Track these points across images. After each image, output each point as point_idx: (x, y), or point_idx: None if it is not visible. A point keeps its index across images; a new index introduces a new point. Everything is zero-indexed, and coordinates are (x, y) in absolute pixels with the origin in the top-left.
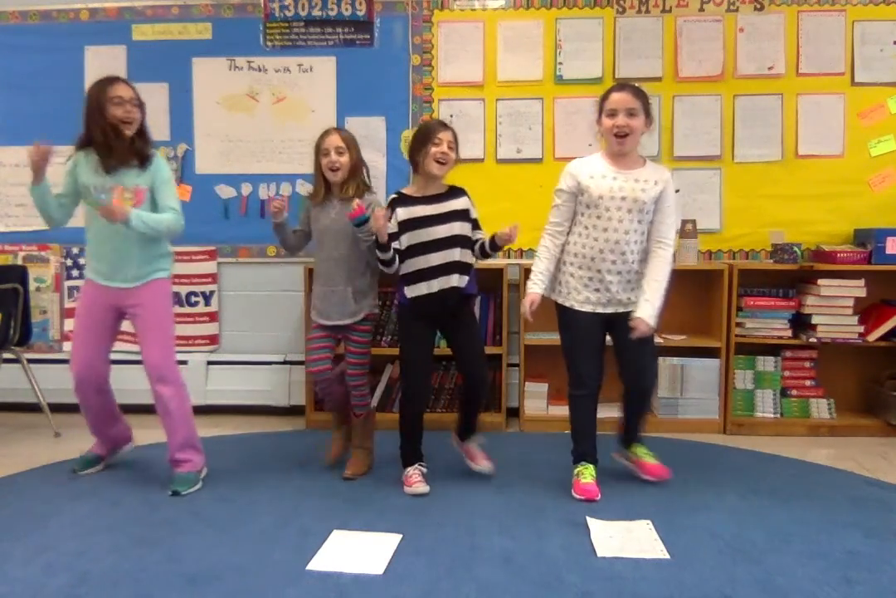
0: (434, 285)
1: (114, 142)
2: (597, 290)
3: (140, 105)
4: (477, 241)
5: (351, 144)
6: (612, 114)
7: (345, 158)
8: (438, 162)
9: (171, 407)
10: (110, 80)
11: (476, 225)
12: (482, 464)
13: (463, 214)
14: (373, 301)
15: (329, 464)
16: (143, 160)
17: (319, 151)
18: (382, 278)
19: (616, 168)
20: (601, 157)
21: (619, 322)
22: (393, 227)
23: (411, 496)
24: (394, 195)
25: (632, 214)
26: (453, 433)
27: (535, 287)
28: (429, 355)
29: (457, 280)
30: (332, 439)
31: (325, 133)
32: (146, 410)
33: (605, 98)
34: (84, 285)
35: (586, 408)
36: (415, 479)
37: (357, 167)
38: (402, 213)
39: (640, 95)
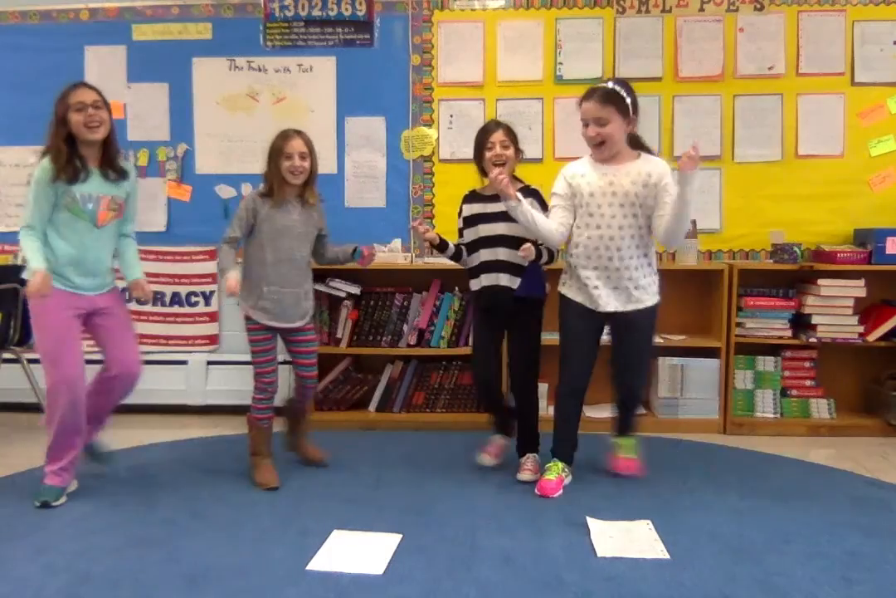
0: (482, 281)
1: (81, 149)
2: (595, 288)
3: (105, 106)
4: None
5: (312, 150)
6: (585, 124)
7: (307, 164)
8: (496, 165)
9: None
10: (72, 86)
11: None
12: (523, 473)
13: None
14: (313, 299)
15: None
16: (120, 172)
17: (281, 153)
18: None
19: (606, 165)
20: (590, 159)
21: (615, 321)
22: (459, 223)
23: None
24: (467, 193)
25: (624, 209)
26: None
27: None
28: (489, 343)
29: (507, 280)
30: (266, 464)
31: (287, 136)
32: (147, 410)
33: (579, 105)
34: (51, 294)
35: (571, 407)
36: (487, 449)
37: (315, 173)
38: (466, 209)
39: (610, 100)
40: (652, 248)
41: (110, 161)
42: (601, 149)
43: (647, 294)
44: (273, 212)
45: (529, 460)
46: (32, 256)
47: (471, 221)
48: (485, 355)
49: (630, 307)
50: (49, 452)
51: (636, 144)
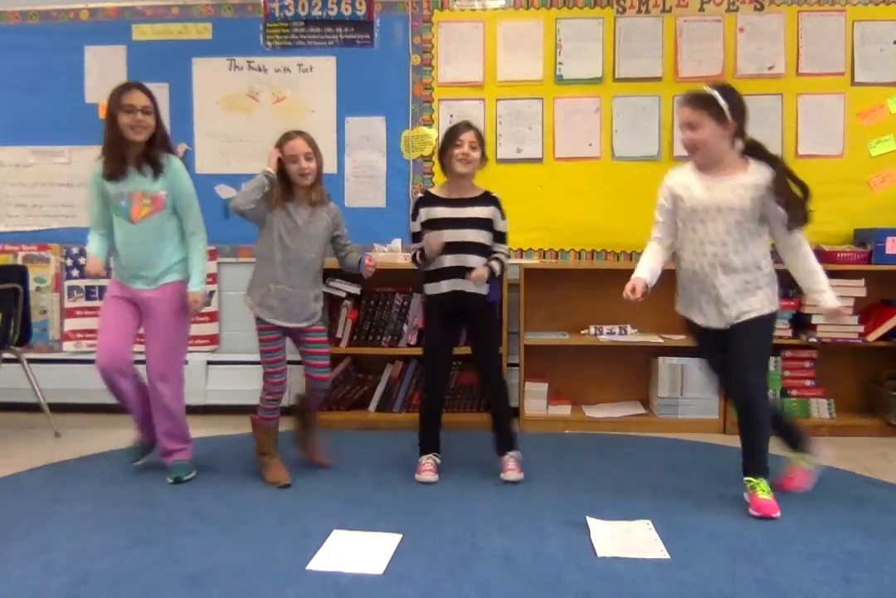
0: (444, 286)
1: (124, 148)
2: (708, 303)
3: (154, 112)
4: (493, 254)
5: (316, 149)
6: (681, 128)
7: (314, 164)
8: (460, 161)
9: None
10: (126, 87)
11: (498, 238)
12: (508, 473)
13: (484, 223)
14: (322, 301)
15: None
16: (157, 166)
17: (284, 157)
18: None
19: (710, 176)
20: (693, 167)
21: (730, 335)
22: (416, 227)
23: (420, 484)
24: (420, 195)
25: (729, 225)
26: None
27: (640, 273)
28: (446, 348)
29: (474, 286)
30: (276, 463)
31: (289, 137)
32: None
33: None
34: (109, 284)
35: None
36: (426, 467)
37: (321, 172)
38: (424, 213)
39: (704, 104)
40: (764, 258)
41: (149, 158)
42: (695, 155)
43: (759, 304)
44: (283, 213)
45: (512, 460)
46: (89, 245)
47: (434, 226)
48: (443, 361)
49: (742, 319)
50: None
51: (755, 151)
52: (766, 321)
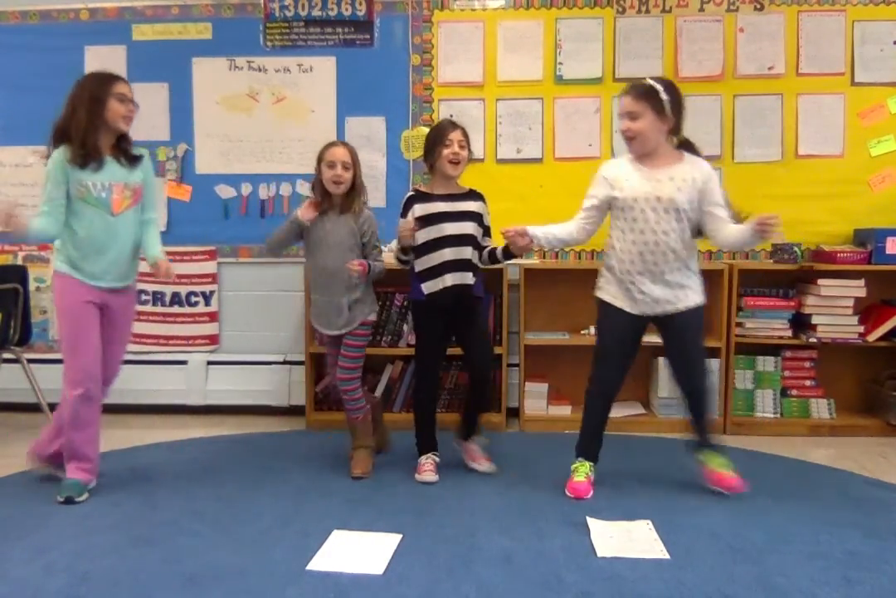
0: (448, 280)
1: (100, 136)
2: (641, 292)
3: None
4: (485, 247)
5: (356, 160)
6: (621, 117)
7: (349, 174)
8: (452, 162)
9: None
10: (115, 77)
11: (487, 232)
12: (482, 464)
13: (476, 217)
14: (369, 307)
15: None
16: (133, 158)
17: (323, 162)
18: (378, 280)
19: (648, 168)
20: (631, 159)
21: (665, 323)
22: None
23: (420, 484)
24: (410, 193)
25: (669, 214)
26: (455, 433)
27: (533, 229)
28: (442, 348)
29: (470, 278)
30: (357, 455)
31: (332, 145)
32: (147, 410)
33: (619, 100)
34: (67, 282)
35: (599, 407)
36: (426, 467)
37: (359, 185)
38: (419, 209)
39: (645, 96)
40: (695, 249)
41: (124, 149)
42: (631, 144)
43: (694, 294)
44: (311, 225)
45: (479, 445)
46: (34, 224)
47: (431, 220)
48: (440, 361)
49: (679, 307)
50: (68, 449)
51: (687, 148)
52: (700, 312)
